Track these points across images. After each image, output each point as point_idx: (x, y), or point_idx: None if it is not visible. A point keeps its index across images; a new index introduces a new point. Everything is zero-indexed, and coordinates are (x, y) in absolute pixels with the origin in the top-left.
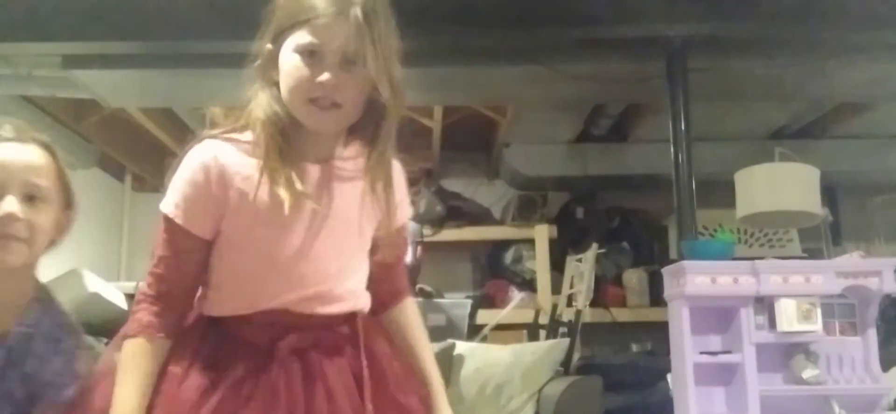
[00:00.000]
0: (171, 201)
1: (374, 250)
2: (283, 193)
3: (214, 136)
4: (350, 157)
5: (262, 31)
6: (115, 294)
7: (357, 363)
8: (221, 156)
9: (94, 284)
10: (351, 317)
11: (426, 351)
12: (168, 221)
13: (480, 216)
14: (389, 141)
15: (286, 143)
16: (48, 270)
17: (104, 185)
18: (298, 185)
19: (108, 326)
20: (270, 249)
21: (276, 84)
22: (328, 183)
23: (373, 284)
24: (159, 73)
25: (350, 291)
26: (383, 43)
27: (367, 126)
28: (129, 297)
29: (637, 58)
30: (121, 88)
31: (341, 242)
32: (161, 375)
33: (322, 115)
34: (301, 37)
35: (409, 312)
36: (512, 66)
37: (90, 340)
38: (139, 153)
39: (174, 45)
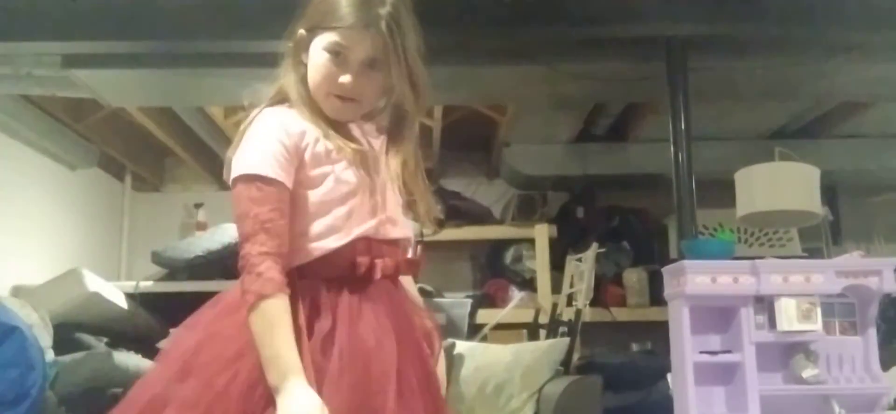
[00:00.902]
0: (261, 163)
1: None
2: (338, 142)
3: (269, 107)
4: (372, 124)
5: (299, 16)
6: (115, 294)
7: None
8: (287, 118)
9: (94, 283)
10: (407, 243)
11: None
12: (264, 179)
13: (480, 216)
14: (413, 144)
15: (316, 112)
16: (48, 270)
17: (104, 185)
18: (340, 141)
19: (108, 326)
20: (348, 182)
21: (304, 66)
22: (361, 136)
23: None
24: (159, 73)
25: (404, 220)
26: (408, 53)
27: (388, 119)
28: (130, 297)
29: (637, 58)
30: (121, 88)
31: (385, 179)
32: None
33: (340, 107)
34: (330, 38)
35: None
36: (512, 66)
37: (90, 339)
38: (139, 153)
39: (174, 45)
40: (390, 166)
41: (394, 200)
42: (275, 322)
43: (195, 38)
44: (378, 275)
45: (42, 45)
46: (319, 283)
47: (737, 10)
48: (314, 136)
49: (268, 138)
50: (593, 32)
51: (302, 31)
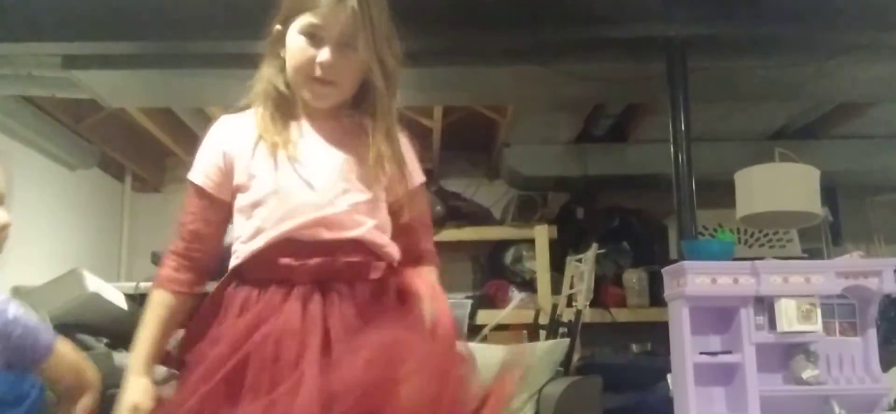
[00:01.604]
0: (192, 169)
1: (397, 214)
2: (271, 141)
3: (228, 115)
4: (352, 117)
5: (274, 14)
6: (115, 294)
7: (374, 296)
8: (230, 124)
9: (94, 284)
10: (366, 249)
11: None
12: (191, 183)
13: (480, 216)
14: (389, 118)
15: (280, 109)
16: (48, 270)
17: (104, 185)
18: (290, 138)
19: (108, 326)
20: (272, 182)
21: (282, 59)
22: (327, 132)
23: (397, 246)
24: (159, 73)
25: (356, 222)
26: (376, 30)
27: (365, 105)
28: (130, 297)
29: (637, 58)
30: (121, 88)
31: (343, 178)
32: (199, 332)
33: (320, 91)
34: (305, 20)
35: (425, 274)
36: (512, 66)
37: (90, 339)
38: (139, 153)
39: (174, 45)
40: (370, 156)
41: (350, 199)
42: (146, 313)
43: (195, 38)
44: (299, 278)
45: (42, 45)
46: (250, 284)
47: (737, 10)
48: (250, 140)
49: (205, 145)
50: (593, 32)
51: (278, 27)
